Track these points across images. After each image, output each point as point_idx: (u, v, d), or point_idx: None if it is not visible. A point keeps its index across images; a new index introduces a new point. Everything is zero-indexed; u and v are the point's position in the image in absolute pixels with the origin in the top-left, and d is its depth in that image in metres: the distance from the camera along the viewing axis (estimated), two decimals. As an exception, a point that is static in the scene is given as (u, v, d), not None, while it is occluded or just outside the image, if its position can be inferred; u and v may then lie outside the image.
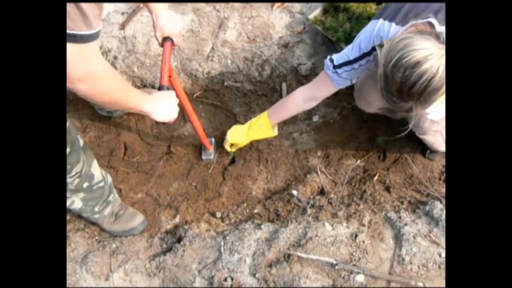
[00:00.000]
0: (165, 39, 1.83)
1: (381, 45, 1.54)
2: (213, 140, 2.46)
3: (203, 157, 2.45)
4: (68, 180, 1.79)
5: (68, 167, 1.74)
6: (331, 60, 1.86)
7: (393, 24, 1.64)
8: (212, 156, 2.44)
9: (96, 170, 1.95)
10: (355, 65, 1.80)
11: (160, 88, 1.71)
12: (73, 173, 1.78)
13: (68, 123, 1.65)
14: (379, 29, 1.68)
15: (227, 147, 2.37)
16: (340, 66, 1.83)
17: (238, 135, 2.30)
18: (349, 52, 1.81)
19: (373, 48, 1.69)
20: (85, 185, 1.89)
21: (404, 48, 1.42)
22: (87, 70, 1.26)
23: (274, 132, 2.26)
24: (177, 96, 1.96)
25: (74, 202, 1.93)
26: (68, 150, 1.69)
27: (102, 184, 1.99)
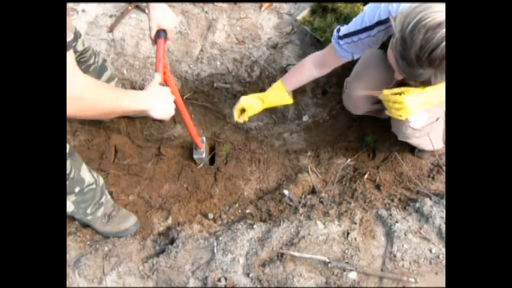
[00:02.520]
0: (158, 34, 1.79)
1: (393, 18, 1.45)
2: (204, 138, 2.42)
3: (195, 156, 2.40)
4: None
5: None
6: (338, 30, 1.82)
7: (402, 4, 1.55)
8: (204, 155, 2.39)
9: (86, 174, 1.95)
10: (355, 38, 1.75)
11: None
12: None
13: None
14: (387, 4, 1.59)
15: (236, 113, 2.19)
16: (343, 37, 1.79)
17: (252, 100, 2.15)
18: (352, 24, 1.76)
19: (377, 23, 1.64)
20: (77, 189, 1.89)
21: (424, 11, 1.32)
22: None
23: (290, 99, 2.14)
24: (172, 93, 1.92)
25: (66, 205, 1.93)
26: None
27: (93, 186, 1.99)
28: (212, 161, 2.54)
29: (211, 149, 2.57)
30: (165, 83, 1.82)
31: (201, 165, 2.46)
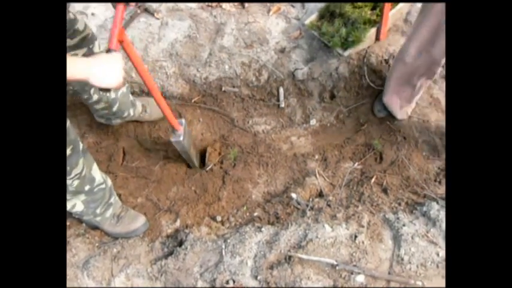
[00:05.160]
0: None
1: None
2: (183, 121, 2.21)
3: (172, 139, 2.18)
4: (68, 182, 1.79)
5: (68, 168, 1.74)
6: None
7: None
8: (182, 138, 2.16)
9: (97, 173, 1.97)
10: None
11: (107, 52, 1.56)
12: (72, 175, 1.78)
13: (67, 124, 1.60)
14: None
15: None
16: None
17: None
18: None
19: None
20: (86, 187, 1.90)
21: None
22: None
23: None
24: (134, 65, 1.82)
25: (76, 205, 1.94)
26: (68, 152, 1.68)
27: (103, 186, 2.00)
28: (202, 163, 2.54)
29: (203, 152, 2.57)
30: (122, 51, 1.69)
31: (180, 149, 2.27)
